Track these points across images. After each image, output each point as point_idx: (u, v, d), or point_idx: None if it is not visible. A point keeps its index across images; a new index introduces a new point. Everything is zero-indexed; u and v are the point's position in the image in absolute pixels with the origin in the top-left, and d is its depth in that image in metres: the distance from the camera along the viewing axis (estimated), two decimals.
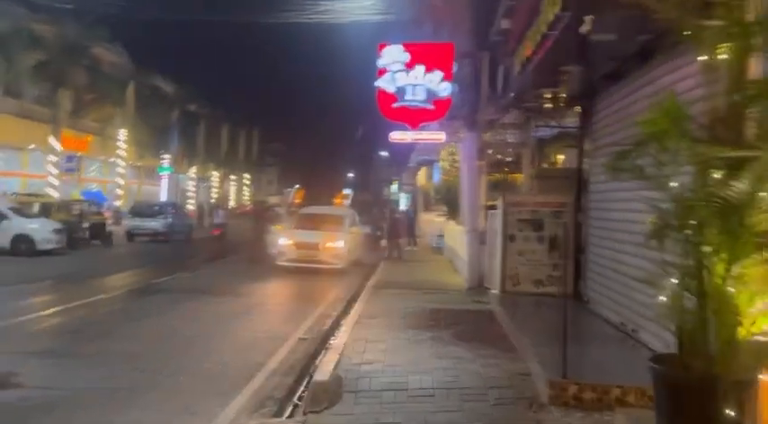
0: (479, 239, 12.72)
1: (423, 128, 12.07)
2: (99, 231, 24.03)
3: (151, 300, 11.85)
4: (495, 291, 11.10)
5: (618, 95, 8.39)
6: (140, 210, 28.51)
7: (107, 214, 36.07)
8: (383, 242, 22.95)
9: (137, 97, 40.97)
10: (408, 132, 12.11)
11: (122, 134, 41.15)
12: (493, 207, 11.63)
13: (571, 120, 11.26)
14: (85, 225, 23.50)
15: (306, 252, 16.61)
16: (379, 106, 11.96)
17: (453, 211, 21.91)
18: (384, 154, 77.26)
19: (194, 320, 10.02)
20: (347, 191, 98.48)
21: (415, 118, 11.82)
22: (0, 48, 28.53)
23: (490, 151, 13.49)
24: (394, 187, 67.12)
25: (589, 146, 9.74)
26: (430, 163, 26.05)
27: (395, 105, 11.76)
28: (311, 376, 6.64)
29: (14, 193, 27.29)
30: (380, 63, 12.04)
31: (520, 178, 15.06)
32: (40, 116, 32.77)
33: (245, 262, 19.43)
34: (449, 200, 22.61)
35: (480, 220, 12.96)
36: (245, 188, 76.43)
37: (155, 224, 27.38)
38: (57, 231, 20.17)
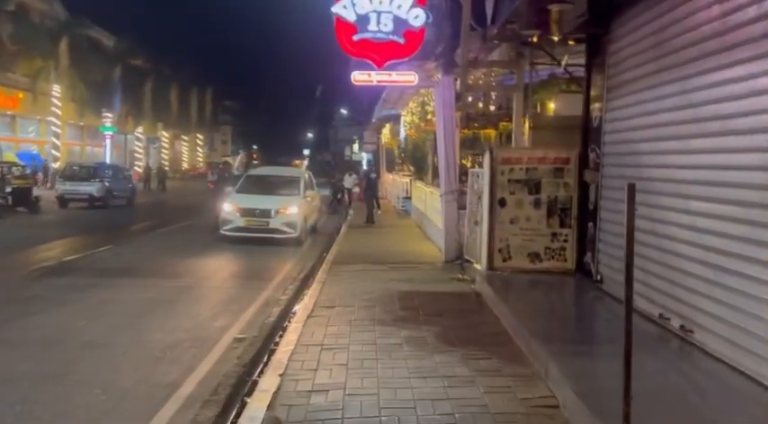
0: (458, 203, 10.71)
1: (391, 68, 9.85)
2: (23, 196, 21.16)
3: (55, 285, 9.48)
4: (480, 267, 9.14)
5: (651, 13, 6.31)
6: (73, 173, 25.50)
7: (38, 177, 33.09)
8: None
9: (72, 50, 37.22)
10: (373, 72, 9.85)
11: (56, 90, 37.50)
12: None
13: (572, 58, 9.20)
14: (8, 189, 20.65)
15: (254, 220, 14.34)
16: (337, 39, 9.65)
17: (420, 171, 19.90)
18: (344, 112, 74.42)
19: (100, 315, 7.76)
20: (306, 152, 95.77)
21: (381, 53, 9.52)
22: None
23: (470, 99, 11.35)
24: (355, 147, 64.73)
25: (599, 87, 7.71)
26: (395, 119, 23.76)
27: (356, 37, 9.44)
28: (241, 409, 4.58)
29: None
30: None
31: (492, 134, 13.05)
32: None
33: (189, 231, 17.13)
34: (415, 159, 20.57)
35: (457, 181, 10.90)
36: (198, 148, 72.76)
37: (89, 188, 24.53)
38: None
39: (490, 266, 8.65)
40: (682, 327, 5.40)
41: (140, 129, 52.74)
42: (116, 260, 11.91)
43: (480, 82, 10.93)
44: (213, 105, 69.89)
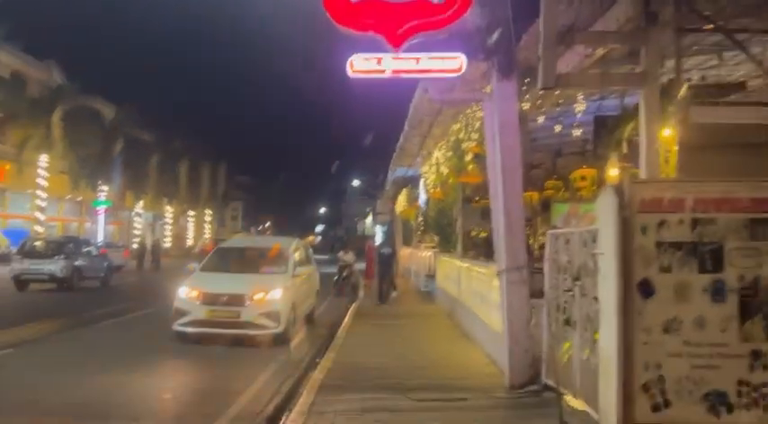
0: (526, 286, 6.46)
1: (415, 49, 5.91)
2: None
3: None
4: (594, 411, 4.78)
5: None
6: (32, 250, 21.54)
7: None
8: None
9: (65, 119, 34.40)
10: (386, 56, 5.87)
11: (43, 161, 34.41)
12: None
13: None
14: None
15: (220, 310, 10.09)
16: (324, 3, 5.75)
17: (447, 242, 15.70)
18: (356, 183, 71.03)
19: None
20: (319, 228, 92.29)
21: (399, 21, 5.58)
22: None
23: (541, 120, 7.21)
24: (368, 220, 60.91)
25: None
26: (413, 182, 19.87)
27: None
28: None
29: None
30: None
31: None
32: None
33: (145, 322, 12.90)
34: (440, 227, 16.42)
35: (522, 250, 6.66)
36: (205, 224, 69.27)
37: (51, 266, 20.51)
38: None
39: (628, 417, 4.26)
40: None
41: (141, 205, 49.59)
42: None
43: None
44: (226, 180, 67.09)
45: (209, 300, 10.13)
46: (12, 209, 38.04)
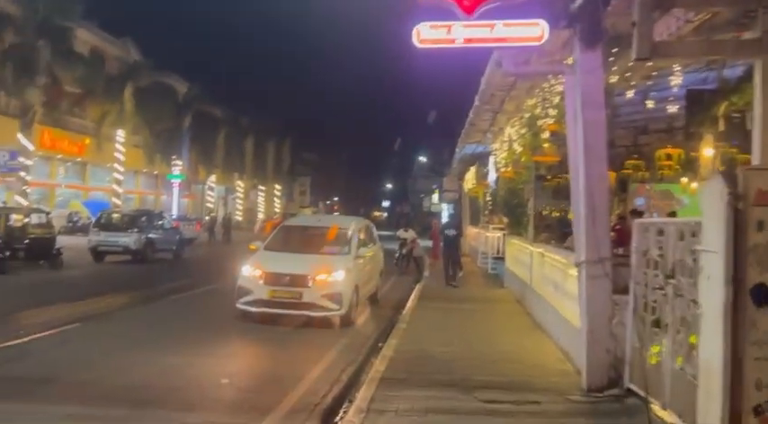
0: (609, 281, 5.83)
1: (489, 16, 5.32)
2: (43, 249, 17.90)
3: None
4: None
5: None
6: (108, 222, 22.26)
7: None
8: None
9: (139, 94, 35.29)
10: (456, 24, 5.30)
11: (120, 135, 35.56)
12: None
13: None
14: (26, 241, 17.46)
15: (282, 290, 9.92)
16: None
17: (517, 224, 15.00)
18: (423, 159, 70.23)
19: None
20: (385, 204, 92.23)
21: None
22: None
23: (630, 94, 6.42)
24: (434, 197, 60.23)
25: None
26: (482, 159, 19.13)
27: None
28: None
29: None
30: None
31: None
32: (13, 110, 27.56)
33: (208, 298, 12.99)
34: (511, 207, 15.71)
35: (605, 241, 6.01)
36: (275, 199, 70.44)
37: (125, 239, 21.12)
38: None
39: None
40: None
41: (213, 179, 50.81)
42: (54, 355, 7.70)
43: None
44: (292, 156, 67.84)
45: (272, 280, 9.97)
46: (92, 182, 39.78)
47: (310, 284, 9.87)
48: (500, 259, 16.54)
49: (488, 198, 20.57)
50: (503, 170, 14.21)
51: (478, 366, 6.88)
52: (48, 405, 5.63)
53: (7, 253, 16.67)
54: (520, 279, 12.37)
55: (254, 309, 9.99)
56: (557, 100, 8.22)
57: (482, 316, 10.76)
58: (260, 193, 65.84)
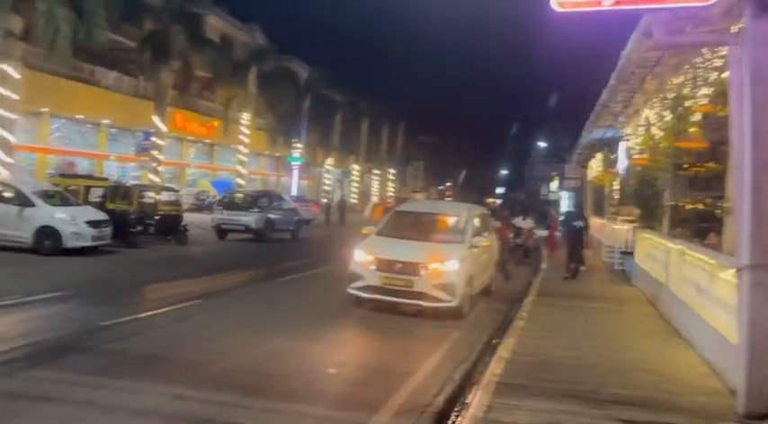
0: None
1: None
2: (170, 225, 18.87)
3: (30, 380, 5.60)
4: None
5: None
6: (231, 202, 23.25)
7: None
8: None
9: (262, 78, 36.51)
10: None
11: (245, 118, 37.03)
12: None
13: None
14: (156, 217, 18.47)
15: (393, 278, 9.57)
16: None
17: (651, 217, 13.64)
18: (542, 145, 67.50)
19: None
20: (500, 190, 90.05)
21: None
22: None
23: None
24: (553, 184, 57.78)
25: None
26: (610, 145, 17.72)
27: None
28: None
29: (56, 173, 23.39)
30: None
31: None
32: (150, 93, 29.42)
33: (318, 282, 13.01)
34: (643, 199, 14.32)
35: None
36: (389, 183, 70.96)
37: (247, 218, 21.96)
38: (94, 223, 15.11)
39: None
40: None
41: (330, 161, 51.90)
42: (171, 332, 7.84)
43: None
44: (405, 140, 67.89)
45: (383, 266, 9.64)
46: (219, 163, 41.93)
47: (422, 272, 9.44)
48: (628, 253, 15.24)
49: (616, 187, 19.08)
50: (636, 157, 12.93)
51: (609, 376, 6.12)
52: (157, 384, 5.61)
53: (139, 228, 17.80)
54: (652, 278, 11.21)
55: (365, 295, 9.75)
56: (712, 76, 7.11)
57: (610, 317, 9.81)
58: (374, 177, 66.56)
